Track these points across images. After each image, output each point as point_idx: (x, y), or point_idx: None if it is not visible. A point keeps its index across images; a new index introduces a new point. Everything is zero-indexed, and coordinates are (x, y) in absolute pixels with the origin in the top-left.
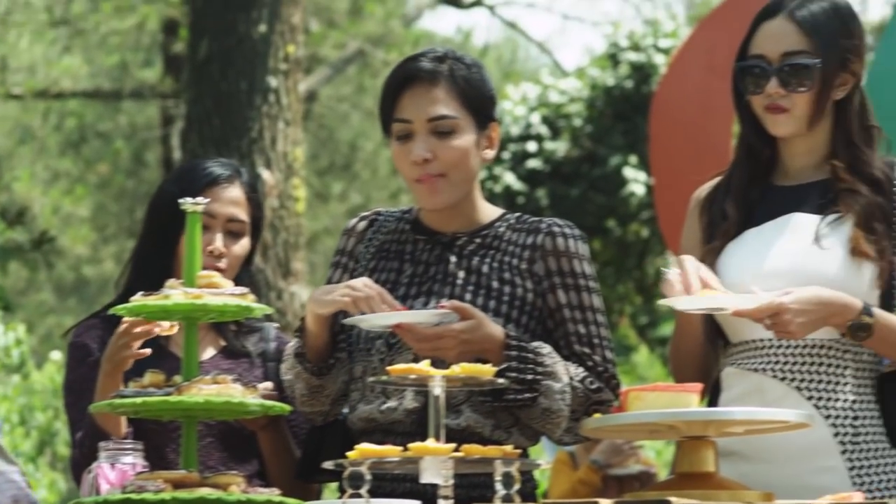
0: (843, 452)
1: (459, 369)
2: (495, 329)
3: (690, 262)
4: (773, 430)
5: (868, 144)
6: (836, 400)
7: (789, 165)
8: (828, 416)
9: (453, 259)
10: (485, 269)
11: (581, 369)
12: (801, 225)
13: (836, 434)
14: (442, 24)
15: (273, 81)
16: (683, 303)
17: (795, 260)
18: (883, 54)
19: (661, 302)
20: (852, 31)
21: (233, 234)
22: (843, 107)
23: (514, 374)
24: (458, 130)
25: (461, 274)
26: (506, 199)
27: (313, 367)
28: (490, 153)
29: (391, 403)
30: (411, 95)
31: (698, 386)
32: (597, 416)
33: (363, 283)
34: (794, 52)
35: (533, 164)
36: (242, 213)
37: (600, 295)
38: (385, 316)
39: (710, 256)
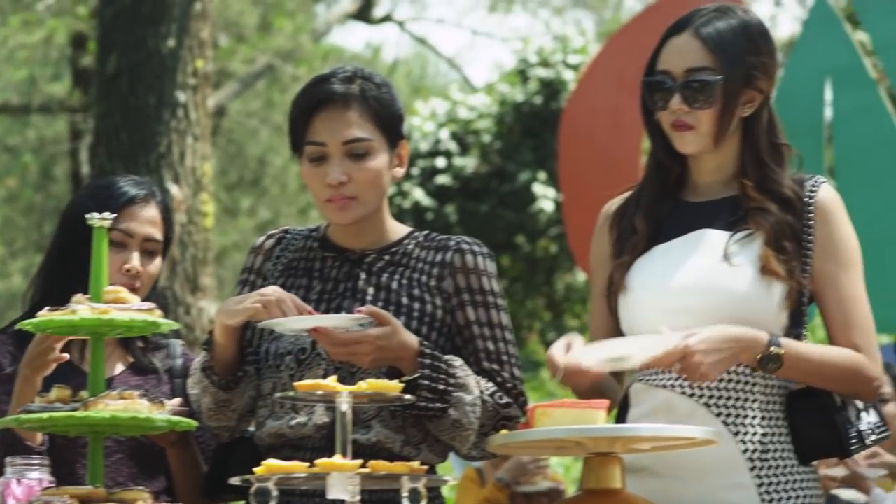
0: (752, 469)
1: (366, 385)
2: (410, 338)
3: (557, 346)
4: (679, 447)
5: (777, 162)
6: (745, 417)
7: (698, 182)
8: (737, 433)
9: (363, 276)
10: (394, 285)
11: (491, 384)
12: (710, 241)
13: (745, 451)
14: (351, 40)
15: (182, 96)
16: (587, 356)
17: (705, 276)
18: (792, 71)
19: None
20: (760, 49)
21: (149, 254)
22: (751, 124)
23: (426, 383)
24: (372, 152)
25: (371, 290)
26: (415, 214)
27: (220, 381)
28: (400, 171)
29: (301, 419)
30: (324, 118)
31: (605, 402)
32: (504, 432)
33: (273, 290)
34: (696, 69)
35: (442, 179)
36: (158, 233)
37: (508, 312)
38: (301, 319)
39: (619, 271)
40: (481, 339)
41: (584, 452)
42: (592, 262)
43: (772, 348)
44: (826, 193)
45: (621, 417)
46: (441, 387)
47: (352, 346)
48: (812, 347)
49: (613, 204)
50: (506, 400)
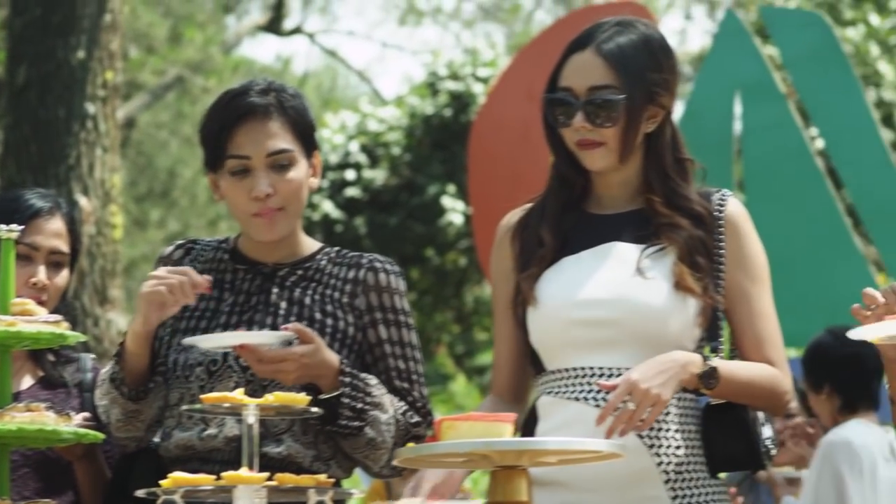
0: (667, 482)
1: (273, 398)
2: (332, 355)
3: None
4: (586, 460)
5: (682, 177)
6: (660, 430)
7: (603, 195)
8: (651, 446)
9: (275, 290)
10: (307, 300)
11: (402, 403)
12: (622, 254)
13: (660, 463)
14: (261, 52)
15: (91, 108)
16: None
17: (618, 288)
18: (702, 85)
19: (852, 334)
20: (661, 65)
21: (55, 266)
22: (655, 139)
23: (347, 401)
24: (293, 162)
25: (283, 304)
26: (324, 227)
27: (131, 392)
28: (315, 182)
29: (211, 430)
30: (246, 131)
31: (512, 416)
32: (410, 445)
33: (166, 270)
34: (599, 87)
35: (351, 192)
36: (64, 245)
37: (416, 331)
38: (227, 336)
39: (527, 283)
40: (392, 357)
41: (491, 465)
42: (494, 275)
43: (707, 362)
44: (734, 208)
45: (529, 431)
46: (359, 405)
47: (278, 364)
48: (738, 365)
49: (514, 216)
50: (416, 419)
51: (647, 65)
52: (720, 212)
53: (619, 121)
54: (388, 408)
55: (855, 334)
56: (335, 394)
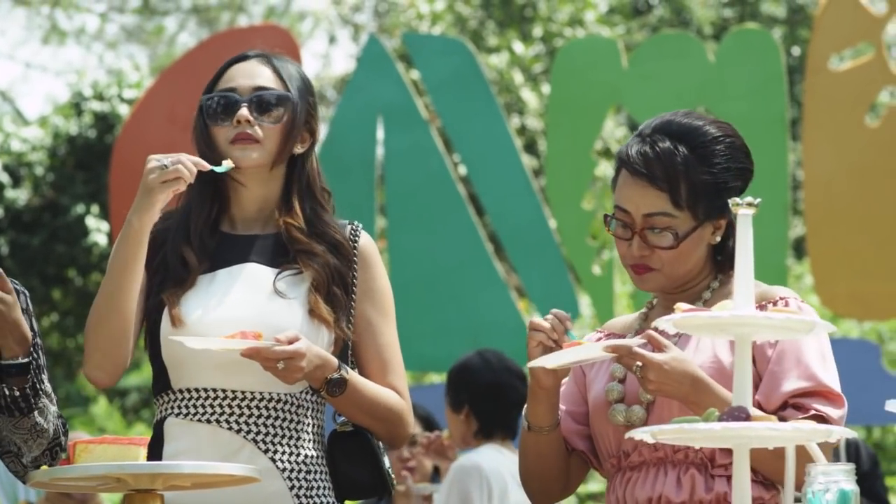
0: None
1: None
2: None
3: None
4: (220, 484)
5: (322, 206)
6: (292, 454)
7: (238, 216)
8: (283, 470)
9: None
10: None
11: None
12: (256, 275)
13: (292, 488)
14: None
15: None
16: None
17: (259, 311)
18: (345, 109)
19: (532, 364)
20: (312, 93)
21: None
22: (302, 162)
23: (30, 375)
24: None
25: None
26: None
27: None
28: None
29: None
30: None
31: (146, 439)
32: (44, 468)
33: None
34: (266, 87)
35: None
36: None
37: (44, 354)
38: None
39: (172, 303)
40: None
41: (126, 489)
42: None
43: (342, 372)
44: (367, 240)
45: (155, 453)
46: (39, 385)
47: None
48: (367, 382)
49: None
50: (66, 428)
51: (306, 87)
52: (354, 243)
53: (284, 119)
54: (54, 404)
55: (537, 363)
56: (23, 361)
